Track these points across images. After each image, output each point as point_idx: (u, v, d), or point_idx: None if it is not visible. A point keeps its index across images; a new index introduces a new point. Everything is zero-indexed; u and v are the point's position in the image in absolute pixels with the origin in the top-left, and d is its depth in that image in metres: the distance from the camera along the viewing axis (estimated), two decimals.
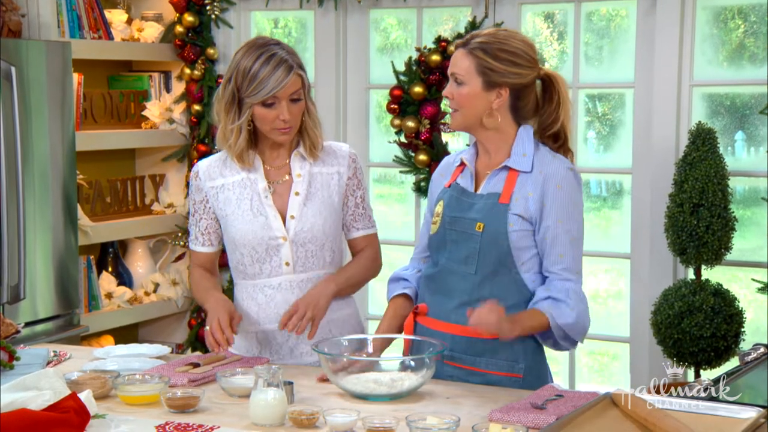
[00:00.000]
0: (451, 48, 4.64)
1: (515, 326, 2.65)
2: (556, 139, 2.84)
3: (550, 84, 2.82)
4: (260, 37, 2.96)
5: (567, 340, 2.74)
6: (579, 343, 2.79)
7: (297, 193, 2.98)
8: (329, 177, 3.02)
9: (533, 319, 2.70)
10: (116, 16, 5.16)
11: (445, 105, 4.83)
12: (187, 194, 3.16)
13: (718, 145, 4.20)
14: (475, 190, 2.81)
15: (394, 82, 4.86)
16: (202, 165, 3.04)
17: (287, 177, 3.00)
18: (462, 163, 2.88)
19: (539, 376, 2.79)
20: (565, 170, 2.75)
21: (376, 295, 5.19)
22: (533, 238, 2.74)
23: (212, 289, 3.02)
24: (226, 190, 2.99)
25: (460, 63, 2.76)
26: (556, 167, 2.75)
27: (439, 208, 2.86)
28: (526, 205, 2.73)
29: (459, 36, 4.70)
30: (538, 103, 2.83)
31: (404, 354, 2.81)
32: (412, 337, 2.81)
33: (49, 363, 2.93)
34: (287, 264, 2.97)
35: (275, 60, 2.86)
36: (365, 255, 3.10)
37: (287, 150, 3.01)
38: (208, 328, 2.86)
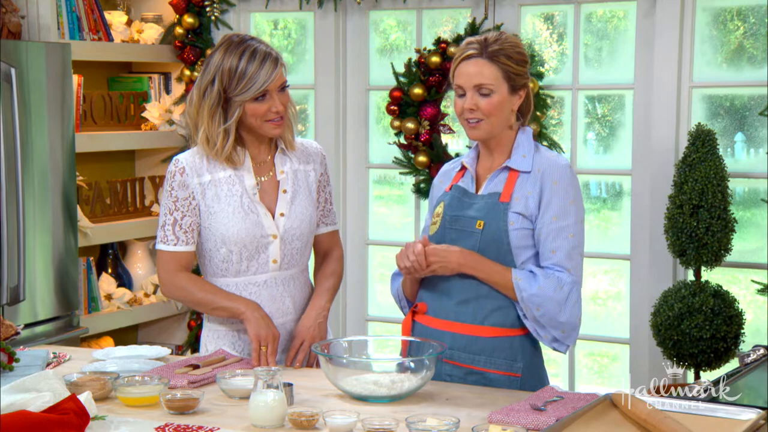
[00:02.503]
0: (451, 49, 4.64)
1: (474, 256, 2.72)
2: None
3: None
4: (234, 35, 2.94)
5: (540, 326, 2.73)
6: (564, 343, 2.75)
7: (285, 191, 2.99)
8: (306, 174, 3.05)
9: (499, 269, 2.73)
10: (116, 18, 5.16)
11: (444, 107, 4.83)
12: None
13: (718, 147, 4.20)
14: (476, 192, 2.83)
15: (393, 83, 4.86)
16: (187, 160, 2.95)
17: (271, 174, 3.00)
18: (463, 168, 2.90)
19: (537, 376, 2.80)
20: (562, 167, 2.78)
21: (376, 296, 5.19)
22: (533, 236, 2.76)
23: (233, 295, 2.95)
24: (214, 186, 2.94)
25: (486, 72, 2.74)
26: (553, 164, 2.78)
27: (439, 209, 2.88)
28: (526, 204, 2.75)
29: (459, 38, 4.70)
30: None
31: (402, 355, 2.81)
32: (411, 338, 2.82)
33: (48, 364, 2.93)
34: (275, 261, 2.97)
35: (260, 54, 2.87)
36: (335, 258, 3.14)
37: (268, 146, 3.01)
38: (254, 347, 2.87)
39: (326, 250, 3.15)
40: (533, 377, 2.78)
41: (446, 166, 3.00)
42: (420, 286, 2.92)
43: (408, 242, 2.82)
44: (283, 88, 2.92)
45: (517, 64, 2.77)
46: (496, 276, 2.74)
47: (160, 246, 2.97)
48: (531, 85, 2.91)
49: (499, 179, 2.80)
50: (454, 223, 2.82)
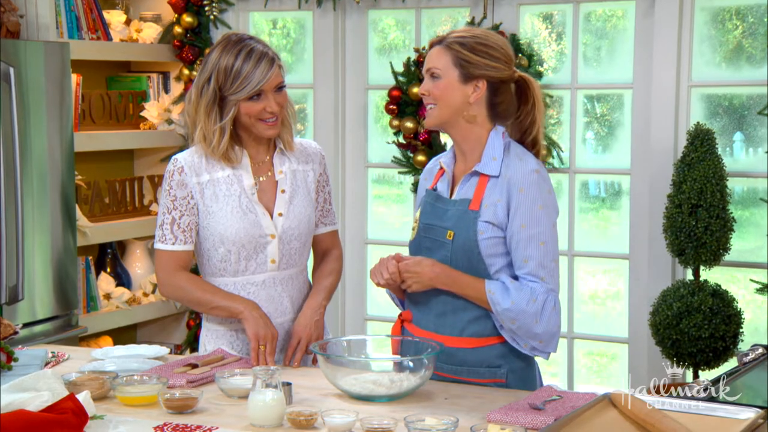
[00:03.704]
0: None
1: (447, 271, 2.71)
2: (534, 145, 2.84)
3: (524, 86, 2.83)
4: (232, 34, 2.95)
5: (517, 337, 2.71)
6: (544, 351, 2.73)
7: (283, 191, 2.99)
8: (305, 174, 3.05)
9: (472, 282, 2.72)
10: (115, 17, 5.16)
11: None
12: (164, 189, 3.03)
13: (717, 146, 4.20)
14: (451, 195, 2.82)
15: (392, 82, 4.86)
16: (185, 159, 2.95)
17: (270, 174, 3.00)
18: (441, 168, 2.88)
19: (525, 378, 2.78)
20: (528, 173, 2.72)
21: (375, 295, 5.19)
22: (505, 244, 2.74)
23: (232, 294, 2.94)
24: (213, 186, 2.94)
25: (437, 58, 2.77)
26: (519, 170, 2.73)
27: (417, 214, 2.88)
28: (495, 212, 2.72)
29: None
30: (514, 105, 2.83)
31: (394, 355, 2.80)
32: (408, 338, 2.81)
33: (47, 364, 2.93)
34: (273, 261, 2.97)
35: (256, 54, 2.87)
36: (334, 257, 3.14)
37: (266, 146, 3.01)
38: (253, 346, 2.86)
39: (325, 250, 3.15)
40: (520, 380, 2.77)
41: (430, 164, 2.98)
42: (405, 292, 2.91)
43: (381, 257, 2.81)
44: (280, 88, 2.92)
45: (471, 52, 2.73)
46: (469, 290, 2.72)
47: (158, 245, 2.97)
48: (533, 89, 2.85)
49: (470, 184, 2.77)
50: (428, 231, 2.81)
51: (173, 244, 2.95)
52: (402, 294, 2.92)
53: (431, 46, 2.81)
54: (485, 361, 2.75)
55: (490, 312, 2.72)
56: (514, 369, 2.76)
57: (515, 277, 2.73)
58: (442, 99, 2.76)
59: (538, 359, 2.85)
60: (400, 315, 2.90)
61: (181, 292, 2.98)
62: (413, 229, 2.88)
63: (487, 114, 2.79)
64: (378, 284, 2.81)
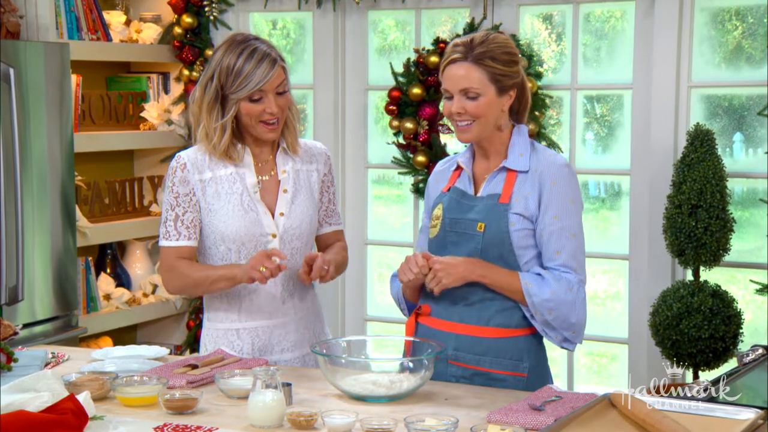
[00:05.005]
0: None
1: (481, 262, 2.72)
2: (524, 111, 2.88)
3: None
4: (238, 34, 2.96)
5: (551, 329, 2.73)
6: (574, 341, 2.77)
7: (285, 191, 2.99)
8: (309, 174, 3.06)
9: (506, 274, 2.72)
10: (115, 18, 5.16)
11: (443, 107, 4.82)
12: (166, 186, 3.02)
13: (717, 147, 4.20)
14: (475, 194, 2.82)
15: (392, 83, 4.86)
16: (189, 156, 2.96)
17: (273, 173, 3.00)
18: (458, 168, 2.89)
19: (542, 376, 2.80)
20: (559, 167, 2.77)
21: (375, 296, 5.19)
22: (534, 236, 2.76)
23: (226, 264, 2.94)
24: (215, 184, 2.95)
25: (471, 76, 2.74)
26: (550, 165, 2.77)
27: (438, 211, 2.87)
28: (526, 204, 2.75)
29: (457, 38, 4.69)
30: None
31: (405, 355, 2.81)
32: (411, 338, 2.82)
33: (47, 365, 2.94)
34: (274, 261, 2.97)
35: (258, 54, 2.88)
36: (340, 245, 3.14)
37: (270, 146, 3.02)
38: (261, 270, 2.82)
39: (331, 246, 3.14)
40: (539, 377, 2.78)
41: (440, 165, 2.99)
42: (422, 287, 2.91)
43: (407, 255, 2.81)
44: (283, 91, 2.92)
45: (505, 65, 2.75)
46: (503, 282, 2.74)
47: (162, 242, 2.98)
48: (530, 84, 2.89)
49: (498, 180, 2.80)
50: (455, 226, 2.81)
51: (177, 240, 2.95)
52: (416, 297, 2.92)
53: (452, 60, 2.77)
54: (509, 352, 2.76)
55: (523, 305, 2.73)
56: (535, 365, 2.78)
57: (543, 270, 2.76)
58: (483, 116, 2.76)
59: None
60: (417, 308, 2.89)
61: (185, 279, 2.96)
62: (434, 226, 2.87)
63: (508, 115, 2.83)
64: (407, 281, 2.79)
